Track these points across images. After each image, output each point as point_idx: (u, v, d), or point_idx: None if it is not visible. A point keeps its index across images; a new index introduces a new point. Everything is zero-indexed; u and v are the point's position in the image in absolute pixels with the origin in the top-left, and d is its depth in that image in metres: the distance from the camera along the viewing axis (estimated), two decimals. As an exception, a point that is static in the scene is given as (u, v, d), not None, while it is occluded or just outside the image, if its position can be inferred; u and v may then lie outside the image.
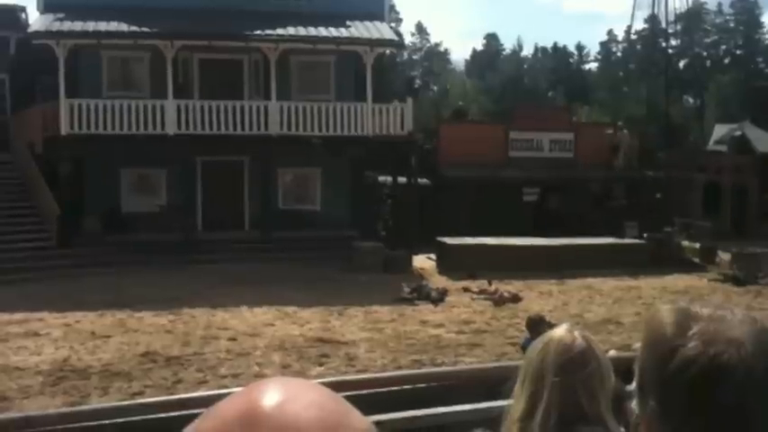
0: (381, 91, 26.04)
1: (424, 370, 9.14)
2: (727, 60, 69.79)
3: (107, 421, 3.49)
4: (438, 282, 18.47)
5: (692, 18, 67.23)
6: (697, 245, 22.91)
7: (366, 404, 1.00)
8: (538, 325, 7.97)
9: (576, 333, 2.01)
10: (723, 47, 73.15)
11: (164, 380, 10.45)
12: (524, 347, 7.87)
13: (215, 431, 0.67)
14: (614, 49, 79.24)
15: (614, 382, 2.00)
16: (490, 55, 78.70)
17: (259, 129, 21.65)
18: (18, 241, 19.49)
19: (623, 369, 1.91)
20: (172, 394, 8.39)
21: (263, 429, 0.66)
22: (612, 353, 3.91)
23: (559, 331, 2.02)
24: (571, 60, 78.43)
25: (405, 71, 63.59)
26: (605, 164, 27.32)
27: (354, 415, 0.71)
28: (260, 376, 9.37)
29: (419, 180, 23.91)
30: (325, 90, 24.06)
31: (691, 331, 1.03)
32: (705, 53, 71.26)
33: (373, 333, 13.40)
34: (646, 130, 33.82)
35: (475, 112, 49.04)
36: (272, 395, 0.69)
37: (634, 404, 1.12)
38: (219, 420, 0.68)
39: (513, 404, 1.98)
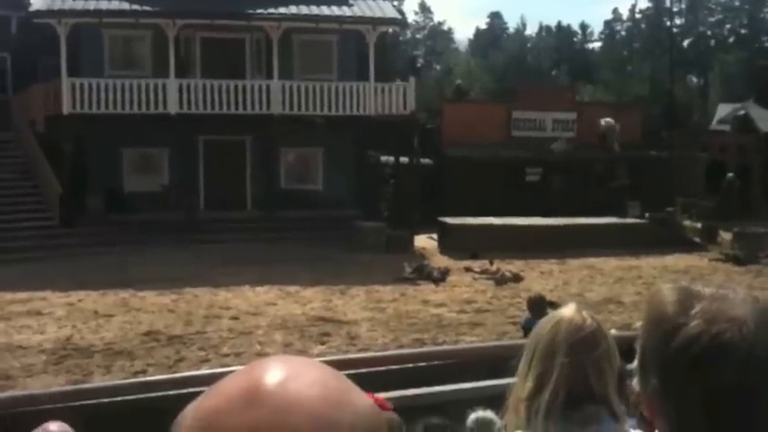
0: (384, 70, 25.94)
1: (425, 349, 9.17)
2: (731, 39, 69.33)
3: (109, 399, 3.50)
4: (440, 261, 18.49)
5: (697, -4, 66.76)
6: (699, 224, 22.90)
7: (367, 383, 1.00)
8: (539, 305, 8.02)
9: (585, 313, 2.00)
10: (728, 26, 72.63)
11: (166, 359, 10.50)
12: (525, 327, 7.89)
13: (217, 408, 0.68)
14: (618, 28, 78.78)
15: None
16: (494, 34, 78.30)
17: (261, 108, 21.58)
18: (21, 220, 19.52)
19: (624, 348, 1.92)
20: (174, 373, 8.43)
21: (265, 407, 0.66)
22: (613, 332, 3.92)
23: (569, 311, 2.01)
24: (575, 39, 78.01)
25: (408, 50, 63.30)
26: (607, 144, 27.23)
27: (356, 393, 0.71)
28: (262, 355, 9.41)
29: (421, 160, 23.87)
30: (328, 69, 23.96)
31: (693, 310, 1.03)
32: (709, 32, 70.80)
33: (375, 312, 13.44)
34: (649, 110, 33.68)
35: (478, 91, 48.87)
36: (274, 373, 0.69)
37: (635, 382, 1.12)
38: (222, 398, 0.68)
39: (518, 383, 1.97)
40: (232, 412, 0.66)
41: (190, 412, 0.70)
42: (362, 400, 0.71)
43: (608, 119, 27.38)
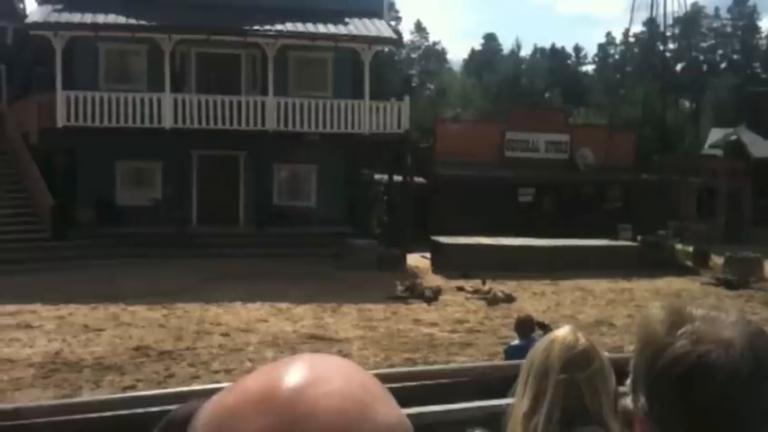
0: (379, 89, 26.04)
1: (416, 368, 9.14)
2: (723, 65, 69.94)
3: (98, 414, 3.48)
4: (432, 280, 18.47)
5: (690, 22, 67.30)
6: (690, 248, 22.95)
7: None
8: (526, 326, 7.91)
9: (579, 334, 2.04)
10: (720, 51, 73.32)
11: (156, 374, 10.42)
12: (508, 354, 7.79)
13: (231, 408, 0.65)
14: (612, 52, 79.32)
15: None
16: (488, 55, 78.71)
17: (255, 124, 21.62)
18: (12, 232, 19.44)
19: (616, 370, 1.93)
20: (164, 389, 8.38)
21: (276, 415, 0.63)
22: (605, 354, 3.92)
23: (563, 331, 2.05)
24: (569, 62, 78.48)
25: (402, 69, 63.54)
26: (602, 165, 27.37)
27: (381, 408, 0.66)
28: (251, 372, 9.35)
29: (415, 178, 23.91)
30: (323, 87, 24.05)
31: (681, 330, 1.03)
32: (702, 57, 71.37)
33: (366, 331, 13.39)
34: (642, 133, 33.87)
35: (472, 111, 49.04)
36: (294, 376, 0.66)
37: (628, 401, 1.13)
38: (239, 398, 0.66)
39: (516, 402, 1.99)
40: (244, 416, 0.64)
41: (209, 407, 0.68)
42: (386, 416, 0.66)
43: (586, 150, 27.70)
